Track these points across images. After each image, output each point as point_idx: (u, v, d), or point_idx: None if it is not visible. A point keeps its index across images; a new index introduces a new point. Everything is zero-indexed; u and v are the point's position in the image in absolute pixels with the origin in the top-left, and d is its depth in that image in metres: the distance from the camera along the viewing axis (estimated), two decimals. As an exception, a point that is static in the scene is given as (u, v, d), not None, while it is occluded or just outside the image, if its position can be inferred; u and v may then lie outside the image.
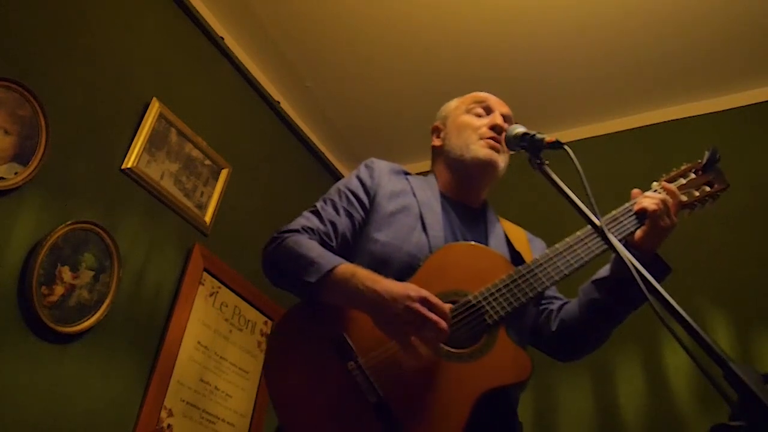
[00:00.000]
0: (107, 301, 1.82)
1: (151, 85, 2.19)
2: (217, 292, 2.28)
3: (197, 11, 2.47)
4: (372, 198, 1.37)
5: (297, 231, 1.28)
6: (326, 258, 1.17)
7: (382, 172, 1.43)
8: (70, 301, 1.73)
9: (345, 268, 1.15)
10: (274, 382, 1.16)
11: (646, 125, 2.74)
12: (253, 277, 2.41)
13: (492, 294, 1.17)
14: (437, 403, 1.07)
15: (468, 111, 1.48)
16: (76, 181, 1.84)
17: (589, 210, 0.97)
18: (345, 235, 1.32)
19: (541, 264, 1.21)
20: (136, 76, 2.14)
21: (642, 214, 1.27)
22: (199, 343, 2.13)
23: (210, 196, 2.36)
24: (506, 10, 2.45)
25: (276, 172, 2.83)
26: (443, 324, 1.03)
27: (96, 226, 1.84)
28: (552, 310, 1.39)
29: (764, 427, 0.64)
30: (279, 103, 2.92)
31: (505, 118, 1.47)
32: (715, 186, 1.35)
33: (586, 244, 1.24)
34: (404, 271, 1.21)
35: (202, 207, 2.31)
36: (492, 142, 1.40)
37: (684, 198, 1.33)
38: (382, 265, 1.22)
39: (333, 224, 1.32)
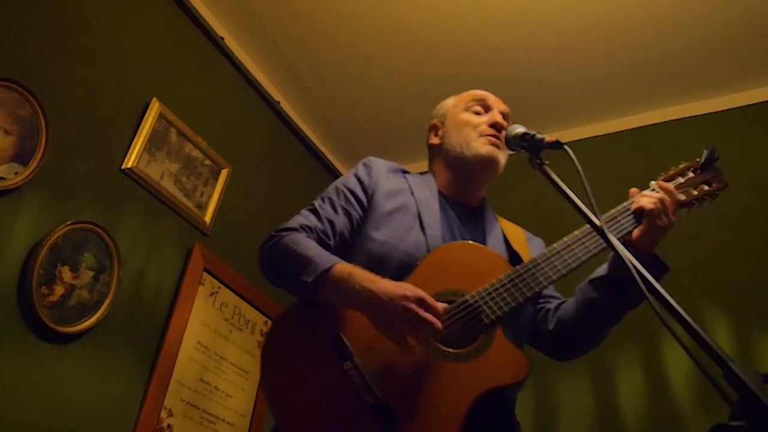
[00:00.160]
0: (107, 301, 1.82)
1: (151, 85, 2.19)
2: (217, 292, 2.28)
3: (197, 11, 2.47)
4: (370, 196, 1.37)
5: (294, 229, 1.27)
6: (323, 257, 1.17)
7: (380, 171, 1.43)
8: (70, 301, 1.73)
9: (342, 267, 1.15)
10: (271, 381, 1.15)
11: (646, 125, 2.74)
12: (253, 277, 2.40)
13: (489, 294, 1.16)
14: (434, 404, 1.07)
15: (467, 109, 1.48)
16: (76, 181, 1.84)
17: (589, 210, 0.97)
18: (343, 234, 1.32)
19: (538, 264, 1.21)
20: (136, 76, 2.14)
21: (639, 214, 1.27)
22: (199, 343, 2.13)
23: (210, 196, 2.36)
24: (506, 10, 2.45)
25: (276, 172, 2.83)
26: (438, 324, 1.03)
27: (96, 226, 1.84)
28: (549, 309, 1.39)
29: (764, 427, 0.64)
30: (279, 103, 2.92)
31: (504, 116, 1.47)
32: (714, 185, 1.35)
33: (583, 243, 1.24)
34: (402, 270, 1.21)
35: (202, 207, 2.31)
36: (493, 139, 1.40)
37: (682, 197, 1.33)
38: (379, 263, 1.22)
39: (331, 223, 1.32)
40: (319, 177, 3.15)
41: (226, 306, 2.31)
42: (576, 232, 1.26)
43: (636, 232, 1.27)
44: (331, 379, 1.10)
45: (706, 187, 1.35)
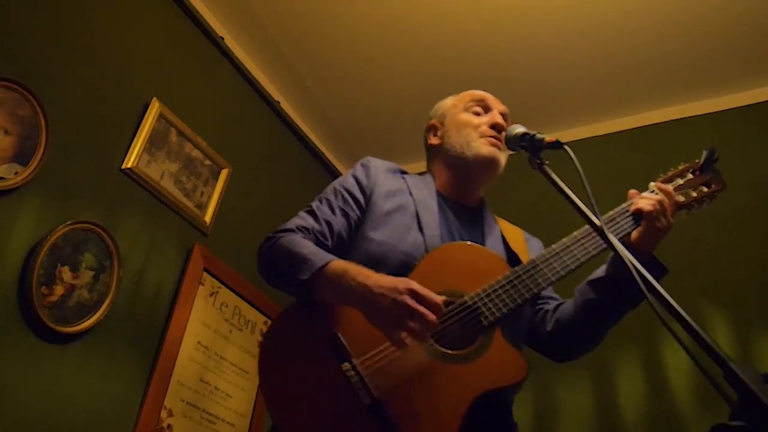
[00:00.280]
0: (107, 301, 1.82)
1: (151, 85, 2.19)
2: (217, 292, 2.28)
3: (197, 11, 2.47)
4: (368, 197, 1.37)
5: (292, 230, 1.27)
6: (319, 255, 1.17)
7: (379, 171, 1.43)
8: (70, 301, 1.73)
9: (337, 264, 1.14)
10: (269, 381, 1.15)
11: (646, 125, 2.74)
12: (253, 277, 2.40)
13: (488, 295, 1.16)
14: (432, 405, 1.06)
15: (466, 109, 1.48)
16: (76, 181, 1.84)
17: (589, 210, 0.97)
18: (341, 234, 1.32)
19: (537, 265, 1.21)
20: (136, 76, 2.14)
21: (638, 215, 1.27)
22: (199, 343, 2.13)
23: (210, 196, 2.36)
24: (506, 10, 2.45)
25: (276, 172, 2.83)
26: (431, 316, 1.01)
27: (96, 226, 1.84)
28: (548, 310, 1.39)
29: (764, 427, 0.64)
30: (279, 103, 2.92)
31: (503, 116, 1.47)
32: (713, 186, 1.34)
33: (582, 244, 1.24)
34: (400, 270, 1.21)
35: (202, 207, 2.31)
36: (494, 140, 1.40)
37: (681, 198, 1.33)
38: (377, 264, 1.21)
39: (328, 223, 1.32)
40: (319, 177, 3.15)
41: (226, 306, 2.31)
42: (575, 234, 1.26)
43: (635, 234, 1.27)
44: (329, 379, 1.10)
45: (705, 189, 1.35)
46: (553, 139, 1.08)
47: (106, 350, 1.82)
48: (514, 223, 1.52)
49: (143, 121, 2.10)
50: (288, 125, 2.98)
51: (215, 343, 2.21)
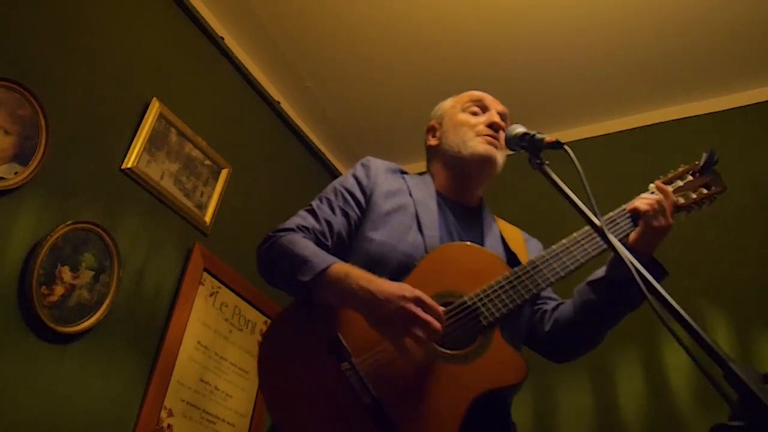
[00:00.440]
0: (107, 301, 1.82)
1: (151, 85, 2.19)
2: (217, 292, 2.28)
3: (197, 11, 2.47)
4: (368, 197, 1.37)
5: (292, 230, 1.27)
6: (320, 257, 1.17)
7: (379, 171, 1.43)
8: (70, 301, 1.73)
9: (339, 267, 1.14)
10: (268, 381, 1.15)
11: (646, 125, 2.74)
12: (253, 277, 2.40)
13: (488, 295, 1.16)
14: (432, 406, 1.06)
15: (464, 109, 1.48)
16: (76, 181, 1.84)
17: (589, 210, 0.97)
18: (341, 234, 1.32)
19: (537, 265, 1.21)
20: (136, 76, 2.14)
21: (636, 216, 1.27)
22: (199, 343, 2.13)
23: (210, 196, 2.36)
24: (506, 10, 2.45)
25: (276, 172, 2.83)
26: (437, 324, 1.03)
27: (96, 226, 1.84)
28: (546, 310, 1.39)
29: (764, 427, 0.64)
30: (279, 103, 2.92)
31: (502, 116, 1.47)
32: (713, 188, 1.34)
33: (582, 245, 1.24)
34: (400, 270, 1.21)
35: (202, 207, 2.31)
36: (490, 138, 1.40)
37: (681, 200, 1.32)
38: (377, 264, 1.22)
39: (329, 223, 1.31)
40: (319, 177, 3.15)
41: (226, 306, 2.31)
42: (574, 235, 1.26)
43: (633, 235, 1.27)
44: (328, 379, 1.10)
45: (705, 191, 1.34)
46: (553, 139, 1.08)
47: (106, 350, 1.82)
48: (513, 224, 1.52)
49: (143, 121, 2.10)
50: (288, 125, 2.98)
51: (215, 343, 2.21)
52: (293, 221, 1.31)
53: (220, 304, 2.28)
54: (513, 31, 2.53)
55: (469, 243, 1.28)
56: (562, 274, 1.21)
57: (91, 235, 1.82)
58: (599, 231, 0.95)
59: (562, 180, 1.04)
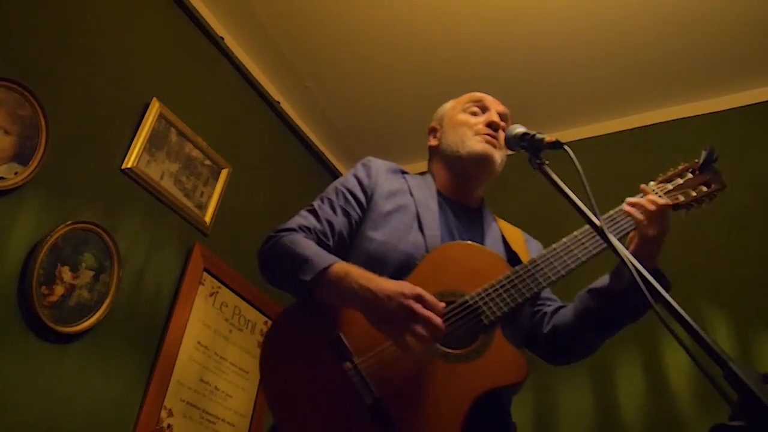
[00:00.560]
0: (107, 301, 1.82)
1: (151, 85, 2.19)
2: (217, 292, 2.28)
3: (197, 11, 2.47)
4: (369, 197, 1.37)
5: (293, 230, 1.27)
6: (321, 256, 1.17)
7: (380, 171, 1.43)
8: (70, 301, 1.73)
9: (339, 266, 1.14)
10: (270, 381, 1.15)
11: (646, 125, 2.74)
12: (253, 277, 2.40)
13: (489, 294, 1.16)
14: (433, 405, 1.06)
15: (464, 110, 1.49)
16: (76, 181, 1.84)
17: (589, 210, 0.97)
18: (342, 234, 1.32)
19: (538, 264, 1.21)
20: (136, 76, 2.14)
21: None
22: (199, 343, 2.13)
23: (210, 196, 2.36)
24: (506, 10, 2.45)
25: (276, 172, 2.83)
26: (438, 321, 1.02)
27: (96, 226, 1.84)
28: (546, 312, 1.39)
29: (764, 427, 0.64)
30: (279, 103, 2.92)
31: (502, 116, 1.47)
32: (712, 186, 1.34)
33: (582, 244, 1.24)
34: (400, 270, 1.21)
35: (202, 207, 2.31)
36: (488, 137, 1.41)
37: (681, 198, 1.32)
38: (378, 264, 1.22)
39: (330, 223, 1.32)
40: (319, 177, 3.15)
41: (226, 306, 2.31)
42: (575, 233, 1.26)
43: (632, 247, 1.24)
44: (330, 379, 1.10)
45: (704, 189, 1.34)
46: (553, 139, 1.08)
47: (106, 350, 1.82)
48: (514, 224, 1.52)
49: (143, 121, 2.10)
50: (288, 125, 2.98)
51: (215, 343, 2.21)
52: (295, 221, 1.31)
53: (220, 304, 2.28)
54: (513, 31, 2.53)
55: (469, 242, 1.29)
56: (564, 272, 1.21)
57: (91, 235, 1.82)
58: (599, 231, 0.95)
59: (562, 180, 1.04)
